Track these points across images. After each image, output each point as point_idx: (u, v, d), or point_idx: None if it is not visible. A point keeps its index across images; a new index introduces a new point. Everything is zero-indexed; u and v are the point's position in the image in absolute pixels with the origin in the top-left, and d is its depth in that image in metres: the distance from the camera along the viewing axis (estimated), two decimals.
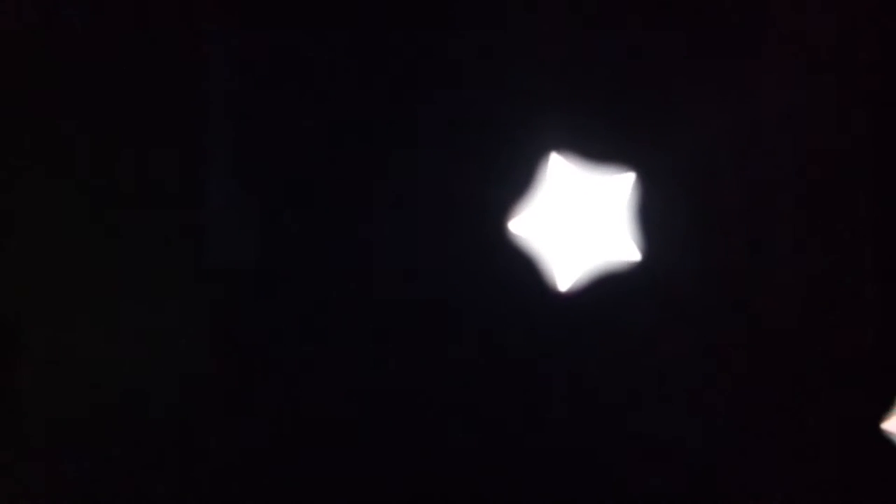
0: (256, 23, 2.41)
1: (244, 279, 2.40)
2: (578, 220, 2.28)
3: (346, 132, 2.39)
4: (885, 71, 2.35)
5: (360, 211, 2.38)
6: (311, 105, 2.40)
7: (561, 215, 2.27)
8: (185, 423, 2.36)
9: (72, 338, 2.37)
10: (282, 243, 2.39)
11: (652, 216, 2.33)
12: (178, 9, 2.39)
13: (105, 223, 2.37)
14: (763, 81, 2.36)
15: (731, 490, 2.33)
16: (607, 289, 2.31)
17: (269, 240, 2.40)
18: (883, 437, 2.29)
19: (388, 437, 2.35)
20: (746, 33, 2.37)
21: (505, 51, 2.37)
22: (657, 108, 2.35)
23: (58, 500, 2.31)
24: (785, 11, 2.36)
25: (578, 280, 2.29)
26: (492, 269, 2.34)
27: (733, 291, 2.35)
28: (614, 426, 2.34)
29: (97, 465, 2.35)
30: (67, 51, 2.39)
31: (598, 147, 2.33)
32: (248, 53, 2.42)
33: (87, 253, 2.37)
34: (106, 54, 2.36)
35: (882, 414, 2.30)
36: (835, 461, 2.34)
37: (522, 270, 2.30)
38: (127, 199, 2.39)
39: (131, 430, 2.36)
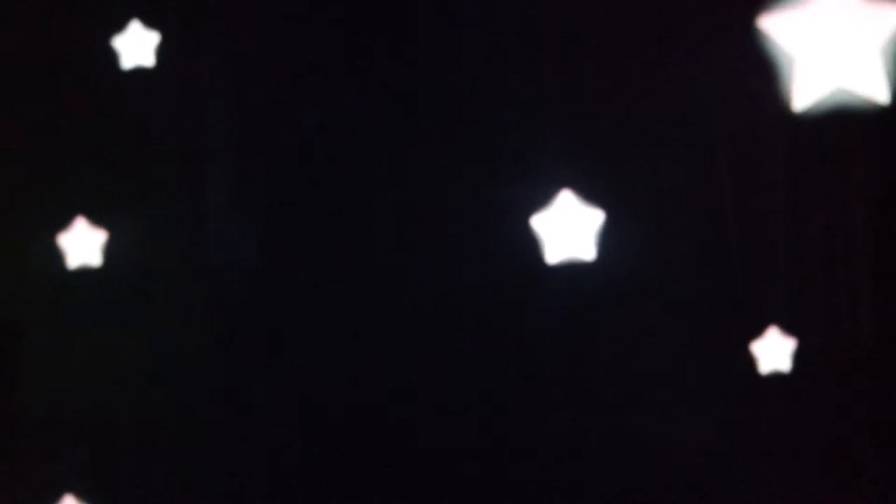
0: (258, 22, 2.42)
1: (245, 279, 2.41)
2: (579, 220, 2.28)
3: (347, 132, 2.40)
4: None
5: (361, 211, 2.38)
6: (313, 105, 2.40)
7: (561, 214, 2.27)
8: (186, 423, 2.37)
9: (72, 338, 2.39)
10: (282, 243, 2.40)
11: (651, 216, 2.33)
12: (179, 8, 2.40)
13: (105, 223, 2.37)
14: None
15: (730, 490, 2.33)
16: (607, 289, 2.31)
17: (270, 240, 2.40)
18: None
19: (389, 435, 2.35)
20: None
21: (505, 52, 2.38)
22: (657, 105, 2.35)
23: (58, 499, 2.32)
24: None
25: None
26: (492, 269, 2.34)
27: (731, 291, 2.35)
28: (614, 425, 2.34)
29: (97, 465, 2.36)
30: (68, 50, 2.40)
31: (598, 147, 2.33)
32: (249, 53, 2.42)
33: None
34: (107, 54, 2.37)
35: None
36: (837, 462, 2.33)
37: (523, 270, 2.30)
38: (127, 199, 2.40)
39: (131, 429, 2.37)
